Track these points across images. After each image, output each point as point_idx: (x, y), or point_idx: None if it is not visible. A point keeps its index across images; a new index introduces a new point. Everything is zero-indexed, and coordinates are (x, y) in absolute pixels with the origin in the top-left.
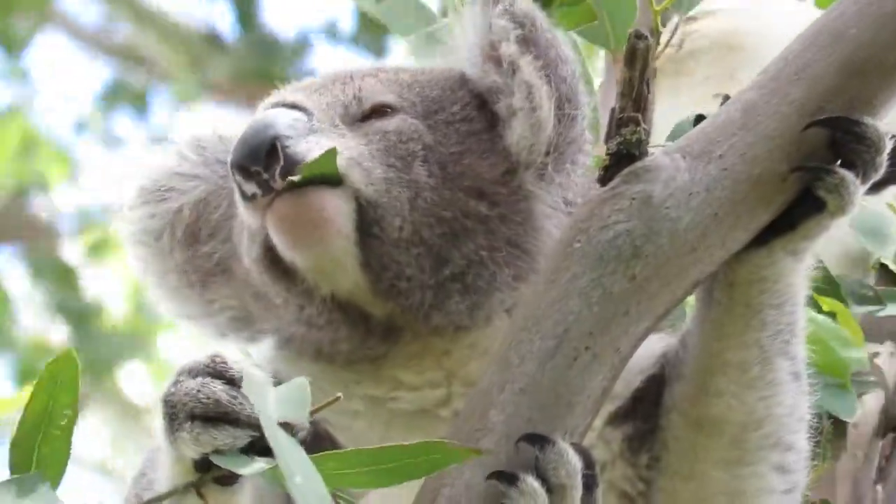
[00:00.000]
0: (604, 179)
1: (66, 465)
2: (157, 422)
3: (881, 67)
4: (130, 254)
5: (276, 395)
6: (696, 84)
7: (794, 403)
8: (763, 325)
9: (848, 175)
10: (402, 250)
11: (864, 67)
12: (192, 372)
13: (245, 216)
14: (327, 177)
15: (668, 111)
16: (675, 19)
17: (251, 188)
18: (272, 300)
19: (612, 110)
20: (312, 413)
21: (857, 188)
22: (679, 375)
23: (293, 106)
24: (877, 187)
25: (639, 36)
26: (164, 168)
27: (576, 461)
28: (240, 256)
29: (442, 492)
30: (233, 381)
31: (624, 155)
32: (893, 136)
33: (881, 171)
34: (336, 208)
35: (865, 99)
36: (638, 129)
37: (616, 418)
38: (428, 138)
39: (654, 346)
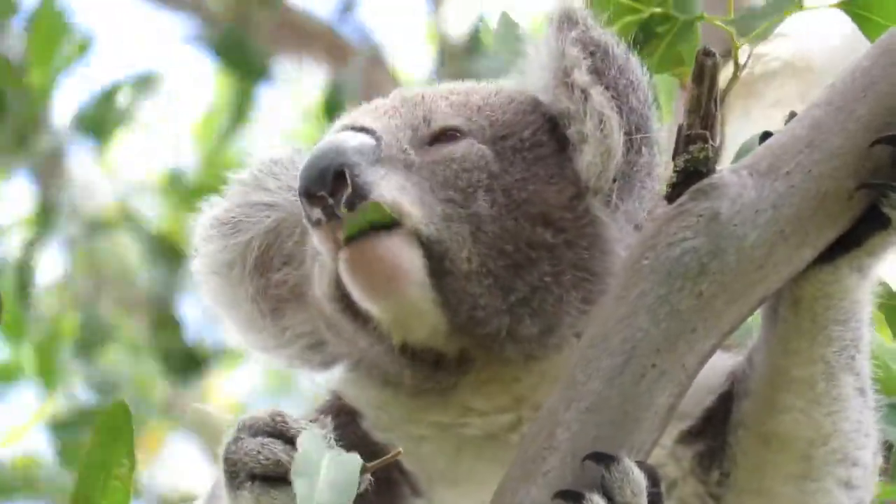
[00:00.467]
0: (671, 196)
1: None
2: (219, 478)
3: None
4: (203, 286)
5: (326, 466)
6: (767, 106)
7: (861, 419)
8: (829, 340)
9: None
10: (474, 282)
11: None
12: (253, 429)
13: (317, 244)
14: (383, 221)
15: (738, 133)
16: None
17: (317, 214)
18: (342, 330)
19: (680, 127)
20: (368, 470)
21: None
22: (746, 392)
23: (362, 129)
24: None
25: (707, 53)
26: (237, 199)
27: (641, 479)
28: (312, 283)
29: None
30: (293, 442)
31: (691, 172)
32: None
33: None
34: (406, 255)
35: None
36: (706, 146)
37: (687, 437)
38: (494, 166)
39: (723, 364)
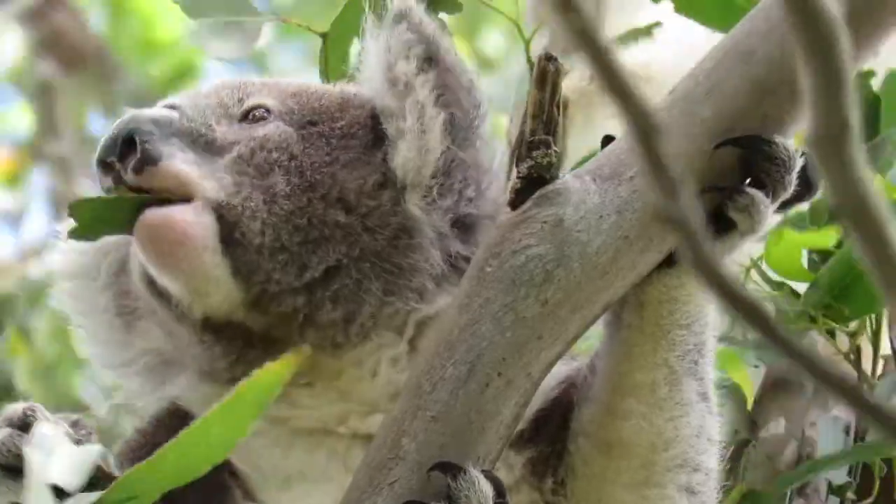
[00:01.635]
0: (514, 203)
1: None
2: None
3: (791, 86)
4: (60, 290)
5: (61, 454)
6: (608, 116)
7: (702, 424)
8: (672, 345)
9: (758, 195)
10: (267, 256)
11: (774, 86)
12: (4, 420)
13: None
14: (171, 192)
15: (580, 144)
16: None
17: (107, 182)
18: (160, 319)
19: (521, 133)
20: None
21: (768, 207)
22: (587, 399)
23: (170, 106)
24: (786, 205)
25: (549, 58)
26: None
27: (488, 489)
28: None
29: None
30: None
31: (535, 178)
32: (803, 154)
33: (790, 190)
34: (196, 221)
35: (776, 117)
36: (549, 151)
37: (518, 441)
38: (296, 148)
39: (557, 371)
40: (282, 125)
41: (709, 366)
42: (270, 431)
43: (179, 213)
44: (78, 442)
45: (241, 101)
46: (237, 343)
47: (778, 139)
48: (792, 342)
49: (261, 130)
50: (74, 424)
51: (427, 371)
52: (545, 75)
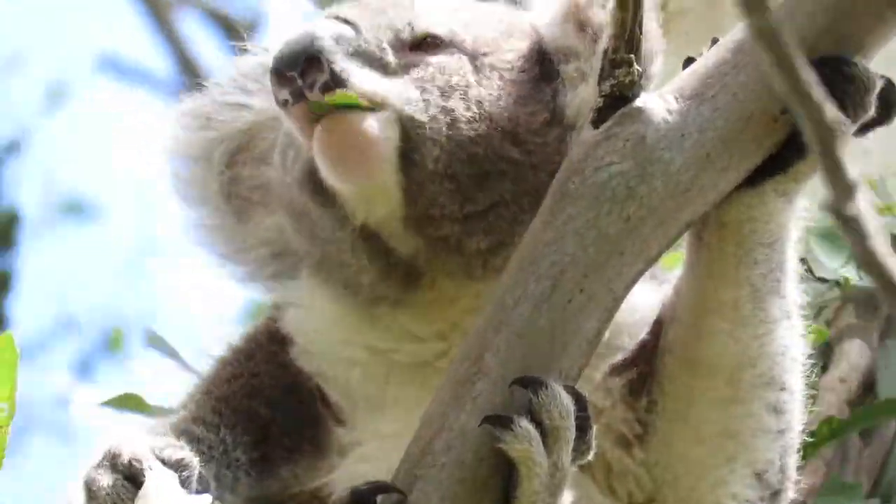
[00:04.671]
0: (597, 122)
1: (1, 461)
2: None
3: (871, 7)
4: (170, 179)
5: None
6: (682, 43)
7: (787, 342)
8: (755, 263)
9: (838, 116)
10: (438, 181)
11: (854, 8)
12: (112, 464)
13: (289, 126)
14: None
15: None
16: None
17: (284, 94)
18: (306, 220)
19: (605, 52)
20: None
21: (848, 129)
22: (672, 319)
23: (345, 21)
24: (865, 129)
25: None
26: (214, 96)
27: (569, 403)
28: (281, 173)
29: (439, 436)
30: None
31: (617, 97)
32: (883, 77)
33: (870, 112)
34: (382, 132)
35: (856, 39)
36: (631, 70)
37: (619, 367)
38: (471, 77)
39: (653, 298)
40: (456, 53)
41: (791, 284)
42: (369, 363)
43: (368, 120)
44: (185, 482)
45: (410, 24)
46: (382, 263)
47: (857, 61)
48: None
49: (436, 58)
50: (179, 464)
51: (510, 287)
52: None
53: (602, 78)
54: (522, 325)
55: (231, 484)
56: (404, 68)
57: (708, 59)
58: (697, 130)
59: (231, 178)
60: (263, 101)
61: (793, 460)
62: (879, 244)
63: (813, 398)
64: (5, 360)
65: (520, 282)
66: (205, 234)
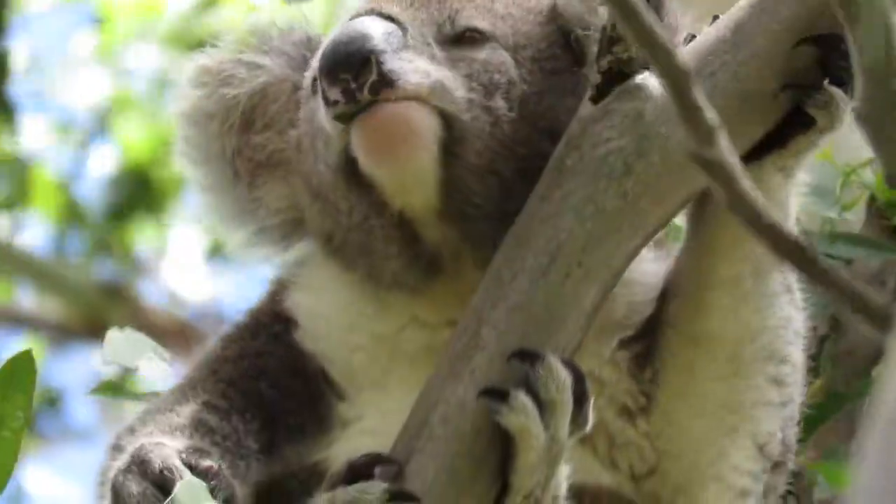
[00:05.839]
0: (596, 98)
1: (13, 469)
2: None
3: None
4: (180, 133)
5: None
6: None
7: (788, 316)
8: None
9: (837, 92)
10: (478, 177)
11: None
12: (142, 470)
13: (324, 122)
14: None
15: None
16: None
17: (335, 94)
18: (334, 204)
19: (604, 28)
20: None
21: (846, 105)
22: (674, 293)
23: (389, 17)
24: None
25: None
26: (230, 54)
27: (566, 376)
28: (303, 154)
29: (436, 410)
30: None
31: (616, 73)
32: None
33: None
34: (424, 122)
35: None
36: (629, 46)
37: (627, 342)
38: (513, 73)
39: (658, 270)
40: (498, 48)
41: None
42: (373, 348)
43: (414, 111)
44: (214, 491)
45: (451, 19)
46: (410, 251)
47: None
48: (835, 276)
49: (479, 54)
50: (208, 472)
51: (507, 261)
52: None
53: (601, 54)
54: (520, 300)
55: (244, 473)
56: (448, 64)
57: (708, 36)
58: None
59: (241, 141)
60: (276, 63)
61: (793, 432)
62: (747, 185)
63: (816, 370)
64: (25, 369)
65: (517, 257)
66: (211, 194)
